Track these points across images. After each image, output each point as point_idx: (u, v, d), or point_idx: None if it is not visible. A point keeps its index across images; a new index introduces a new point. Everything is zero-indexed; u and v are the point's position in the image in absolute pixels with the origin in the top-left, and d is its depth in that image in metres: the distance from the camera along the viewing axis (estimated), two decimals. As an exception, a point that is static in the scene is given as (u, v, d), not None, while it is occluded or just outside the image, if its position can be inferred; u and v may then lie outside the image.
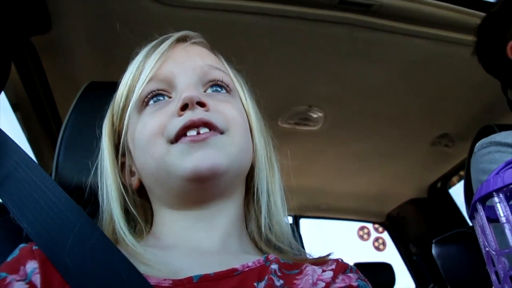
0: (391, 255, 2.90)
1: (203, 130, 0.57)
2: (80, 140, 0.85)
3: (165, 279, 0.52)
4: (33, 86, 1.42)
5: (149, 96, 0.61)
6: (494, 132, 1.19)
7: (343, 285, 0.56)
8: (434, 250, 1.53)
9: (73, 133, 0.86)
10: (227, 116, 0.60)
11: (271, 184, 0.66)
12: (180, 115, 0.57)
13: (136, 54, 0.68)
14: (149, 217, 0.66)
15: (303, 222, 2.82)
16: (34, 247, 0.53)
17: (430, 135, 1.97)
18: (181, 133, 0.56)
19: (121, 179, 0.64)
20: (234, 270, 0.55)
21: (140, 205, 0.66)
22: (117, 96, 0.67)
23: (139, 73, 0.63)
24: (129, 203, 0.63)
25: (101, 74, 1.47)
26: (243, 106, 0.68)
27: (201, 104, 0.58)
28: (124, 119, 0.64)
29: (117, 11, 1.27)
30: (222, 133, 0.58)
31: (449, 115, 1.83)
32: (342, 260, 0.61)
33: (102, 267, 0.50)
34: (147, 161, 0.59)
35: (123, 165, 0.66)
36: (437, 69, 1.56)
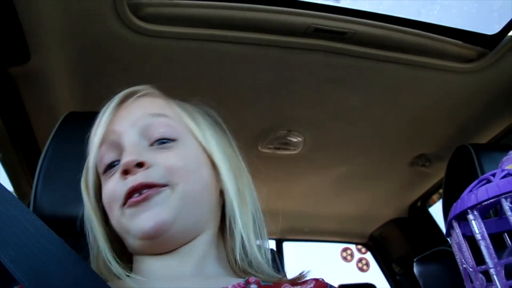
0: (375, 276, 2.89)
1: (145, 191, 0.59)
2: (59, 170, 0.84)
3: None
4: (11, 116, 1.40)
5: (107, 166, 0.65)
6: (469, 152, 1.23)
7: None
8: (415, 269, 1.54)
9: (51, 163, 0.85)
10: (168, 166, 0.62)
11: (244, 216, 0.67)
12: (124, 179, 0.60)
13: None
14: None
15: (286, 245, 2.80)
16: None
17: (408, 156, 2.01)
18: (128, 197, 0.60)
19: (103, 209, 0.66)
20: None
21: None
22: (88, 150, 0.70)
23: (93, 136, 0.68)
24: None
25: (80, 105, 1.46)
26: (202, 144, 0.68)
27: (140, 164, 0.60)
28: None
29: (97, 42, 1.28)
30: (164, 185, 0.60)
31: (425, 136, 1.88)
32: (322, 279, 0.62)
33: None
34: (112, 223, 0.64)
35: None
36: (411, 93, 1.60)
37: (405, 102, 1.65)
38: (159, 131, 0.65)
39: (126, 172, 0.60)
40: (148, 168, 0.60)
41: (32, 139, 1.52)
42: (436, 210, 2.35)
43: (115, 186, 0.61)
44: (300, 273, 0.63)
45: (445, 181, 1.34)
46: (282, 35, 1.34)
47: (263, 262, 0.66)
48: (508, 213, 0.46)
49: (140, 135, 0.64)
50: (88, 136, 0.70)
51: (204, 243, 0.64)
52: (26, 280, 0.50)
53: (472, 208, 0.49)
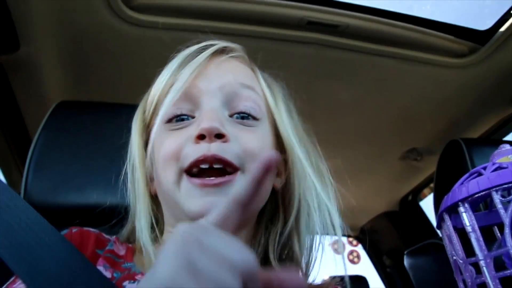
0: (365, 268, 2.92)
1: (216, 165, 0.55)
2: (50, 159, 0.84)
3: None
4: (1, 105, 1.38)
5: (171, 116, 0.60)
6: (460, 146, 1.24)
7: None
8: (406, 262, 1.56)
9: (42, 152, 0.85)
10: (246, 149, 0.58)
11: (321, 198, 0.65)
12: (196, 143, 0.56)
13: (174, 57, 0.66)
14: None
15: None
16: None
17: (399, 150, 2.02)
18: (194, 165, 0.55)
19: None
20: None
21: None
22: (148, 99, 0.66)
23: (170, 84, 0.61)
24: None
25: (70, 94, 1.45)
26: (277, 125, 0.65)
27: (220, 135, 0.56)
28: (152, 127, 0.63)
29: (88, 31, 1.26)
30: (236, 169, 0.57)
31: (416, 130, 1.89)
32: None
33: (79, 286, 0.49)
34: (162, 182, 0.59)
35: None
36: (402, 87, 1.61)
37: (397, 96, 1.66)
38: (244, 105, 0.61)
39: (201, 137, 0.56)
40: (225, 141, 0.56)
41: (23, 128, 1.50)
42: (427, 204, 2.37)
43: (178, 144, 0.57)
44: (324, 281, 0.62)
45: (436, 175, 1.35)
46: (274, 27, 1.34)
47: (300, 260, 0.64)
48: (499, 206, 0.46)
49: (223, 101, 0.60)
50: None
51: (242, 234, 0.61)
52: (18, 268, 0.49)
53: (463, 200, 0.49)
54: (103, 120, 0.93)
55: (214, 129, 0.55)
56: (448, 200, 0.52)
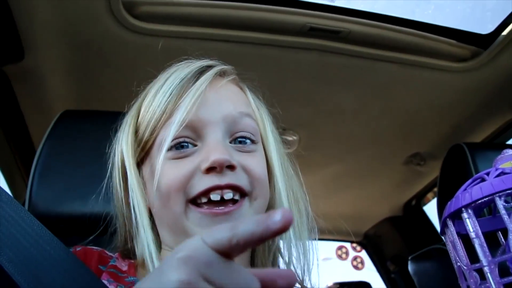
0: (369, 274, 2.91)
1: (227, 195, 0.56)
2: (54, 168, 0.84)
3: None
4: (5, 114, 1.39)
5: (173, 141, 0.60)
6: (463, 151, 1.24)
7: None
8: (410, 267, 1.55)
9: (46, 161, 0.85)
10: (253, 175, 0.60)
11: (298, 228, 0.66)
12: (206, 173, 0.56)
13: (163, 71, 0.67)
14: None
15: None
16: None
17: (403, 155, 2.01)
18: (202, 194, 0.56)
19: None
20: None
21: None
22: (142, 121, 0.64)
23: (170, 109, 0.60)
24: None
25: (75, 103, 1.46)
26: (265, 150, 0.66)
27: (230, 167, 0.57)
28: (148, 150, 0.63)
29: (92, 40, 1.27)
30: (245, 195, 0.58)
31: (419, 135, 1.88)
32: None
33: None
34: (164, 212, 0.59)
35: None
36: (405, 92, 1.61)
37: (399, 101, 1.66)
38: (244, 132, 0.63)
39: (211, 169, 0.56)
40: (233, 171, 0.58)
41: (27, 137, 1.51)
42: (431, 209, 2.36)
43: (185, 174, 0.57)
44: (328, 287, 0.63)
45: (439, 179, 1.35)
46: (277, 34, 1.34)
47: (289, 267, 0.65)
48: (502, 211, 0.46)
49: (224, 130, 0.61)
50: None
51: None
52: (25, 282, 0.49)
53: (466, 206, 0.49)
54: (108, 129, 0.93)
55: (226, 161, 0.56)
56: (451, 206, 0.52)
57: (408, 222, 2.44)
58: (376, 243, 2.76)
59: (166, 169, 0.59)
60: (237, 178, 0.57)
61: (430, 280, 1.41)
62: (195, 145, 0.60)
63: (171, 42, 1.29)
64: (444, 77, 1.53)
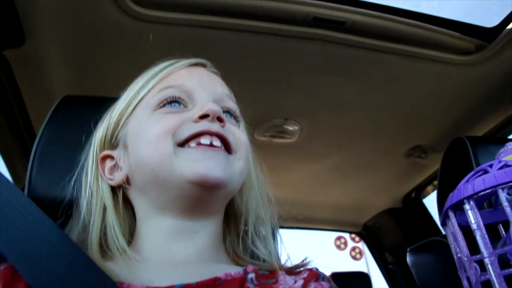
0: (368, 264, 2.93)
1: (216, 142, 0.59)
2: (54, 153, 0.84)
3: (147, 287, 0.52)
4: (6, 99, 1.39)
5: (166, 100, 0.63)
6: (465, 144, 1.23)
7: None
8: (408, 259, 1.56)
9: (46, 146, 0.85)
10: (238, 139, 0.63)
11: (251, 202, 0.69)
12: (197, 122, 0.60)
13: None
14: (127, 230, 0.65)
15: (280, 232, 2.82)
16: (2, 267, 0.52)
17: (404, 147, 2.01)
18: (192, 138, 0.58)
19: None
20: (217, 279, 0.55)
21: (123, 215, 0.65)
22: (124, 97, 0.69)
23: (159, 79, 0.66)
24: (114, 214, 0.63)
25: (75, 88, 1.45)
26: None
27: (220, 120, 0.61)
28: (125, 114, 0.66)
29: (93, 26, 1.26)
30: (230, 153, 0.61)
31: (421, 127, 1.88)
32: (316, 269, 0.63)
33: (78, 281, 0.49)
34: (151, 155, 0.59)
35: (105, 158, 0.67)
36: (408, 84, 1.60)
37: (402, 93, 1.65)
38: (230, 105, 0.68)
39: (204, 117, 0.60)
40: (223, 126, 0.61)
41: (27, 122, 1.51)
42: (430, 201, 2.37)
43: (176, 122, 0.60)
44: (301, 261, 0.64)
45: (440, 172, 1.34)
46: (280, 23, 1.33)
47: (264, 250, 0.67)
48: (505, 203, 0.46)
49: (213, 101, 0.65)
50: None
51: (214, 224, 0.63)
52: (19, 263, 0.49)
53: (468, 198, 0.49)
54: (108, 114, 0.93)
55: (218, 111, 0.60)
56: (453, 198, 0.52)
57: (407, 214, 2.44)
58: (375, 234, 2.77)
59: (158, 118, 0.61)
60: (225, 131, 0.61)
61: (428, 272, 1.42)
62: (187, 107, 0.64)
63: (172, 29, 1.29)
64: (447, 70, 1.52)
